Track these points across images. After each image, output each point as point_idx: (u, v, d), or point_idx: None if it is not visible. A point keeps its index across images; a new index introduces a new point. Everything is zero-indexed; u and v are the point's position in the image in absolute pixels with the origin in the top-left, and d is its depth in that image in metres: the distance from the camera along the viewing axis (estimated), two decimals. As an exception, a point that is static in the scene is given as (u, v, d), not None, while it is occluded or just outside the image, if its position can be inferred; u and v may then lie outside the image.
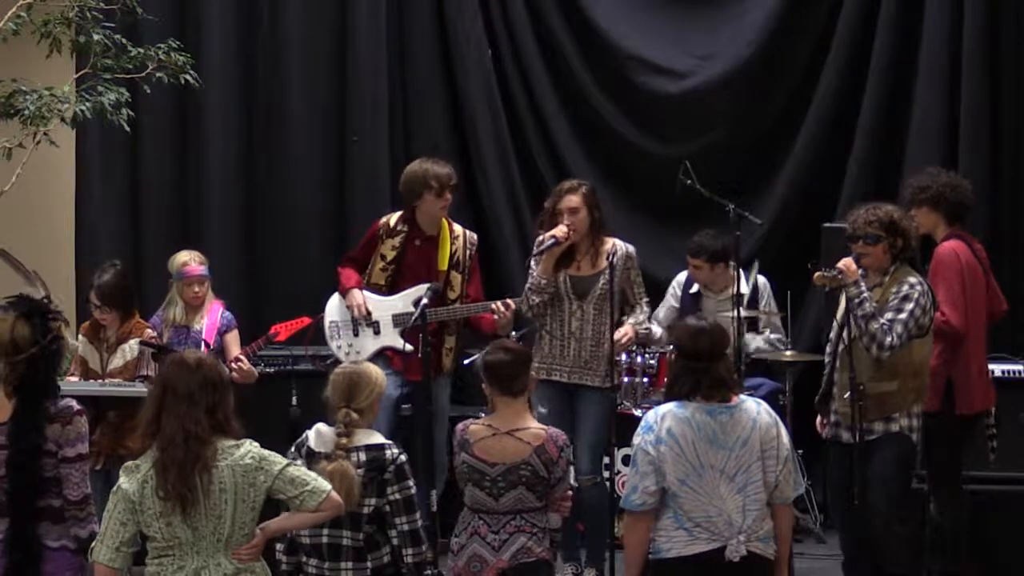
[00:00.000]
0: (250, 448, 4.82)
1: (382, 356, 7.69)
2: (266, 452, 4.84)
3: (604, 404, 7.25)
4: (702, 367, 5.43)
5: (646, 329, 7.50)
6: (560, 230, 7.37)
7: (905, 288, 6.59)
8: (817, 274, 6.69)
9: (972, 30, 8.71)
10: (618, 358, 7.85)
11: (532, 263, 7.49)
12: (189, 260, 7.88)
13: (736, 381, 5.61)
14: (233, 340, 7.90)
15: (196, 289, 7.86)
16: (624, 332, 7.35)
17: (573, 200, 7.43)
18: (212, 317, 7.91)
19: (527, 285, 7.50)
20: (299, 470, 4.85)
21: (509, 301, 7.60)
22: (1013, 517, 7.60)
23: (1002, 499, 7.68)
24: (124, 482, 4.82)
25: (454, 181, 7.81)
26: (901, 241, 6.66)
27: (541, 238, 7.43)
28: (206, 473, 4.73)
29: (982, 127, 8.74)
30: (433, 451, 7.53)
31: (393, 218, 7.91)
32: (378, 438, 5.49)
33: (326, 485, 4.84)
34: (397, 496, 5.41)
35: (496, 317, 7.58)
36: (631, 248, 7.52)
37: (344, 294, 7.86)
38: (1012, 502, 7.65)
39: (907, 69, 8.95)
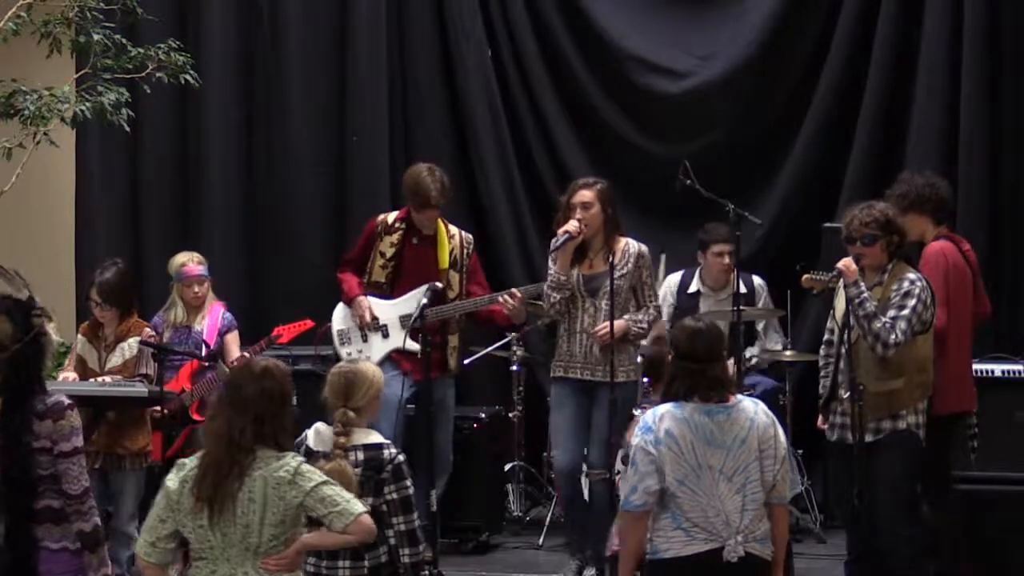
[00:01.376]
0: (289, 462, 4.78)
1: (389, 359, 7.69)
2: (306, 468, 4.80)
3: (620, 397, 7.25)
4: (699, 368, 5.42)
5: (642, 326, 7.47)
6: (572, 225, 7.40)
7: (906, 284, 6.60)
8: (806, 276, 6.70)
9: (972, 30, 8.70)
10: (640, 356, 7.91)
11: (550, 261, 7.52)
12: (187, 261, 7.91)
13: (733, 381, 5.61)
14: (233, 341, 7.93)
15: (196, 289, 7.88)
16: (603, 326, 7.35)
17: (586, 195, 7.46)
18: (213, 318, 7.93)
19: (547, 283, 7.53)
20: (333, 489, 4.79)
21: (515, 291, 7.63)
22: (1012, 517, 7.59)
23: (1000, 499, 7.67)
24: (169, 477, 4.84)
25: (435, 201, 7.70)
26: (898, 238, 6.68)
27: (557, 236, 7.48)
28: (239, 481, 4.72)
29: (982, 127, 8.73)
30: (434, 451, 7.53)
31: (391, 216, 7.92)
32: (376, 437, 5.49)
33: (357, 508, 4.78)
34: (394, 496, 5.40)
35: (506, 309, 7.61)
36: (644, 248, 7.53)
37: (349, 303, 7.86)
38: (1011, 502, 7.64)
39: (907, 69, 8.94)
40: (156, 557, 4.84)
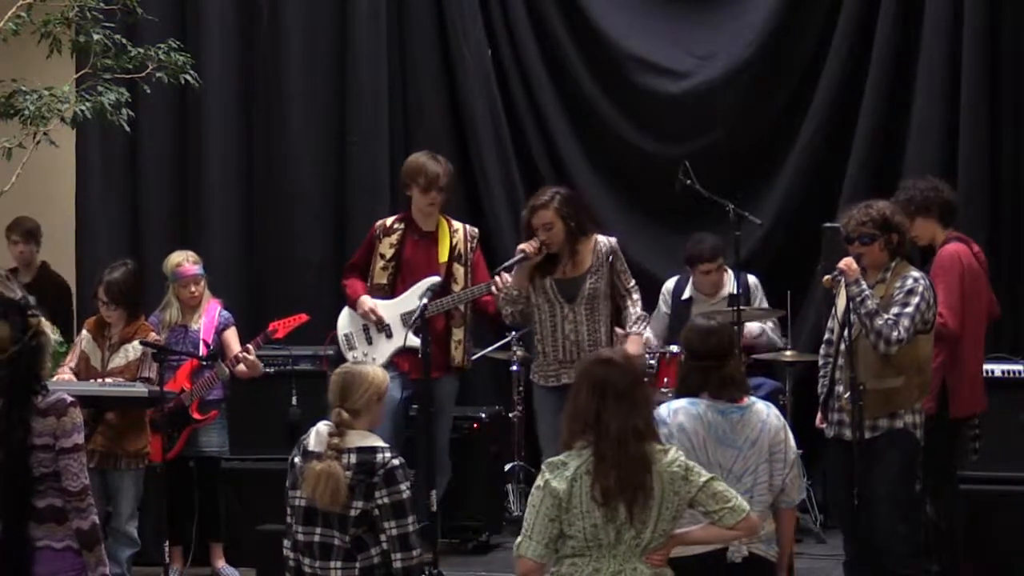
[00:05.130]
0: (678, 456, 4.79)
1: (391, 361, 7.67)
2: (690, 462, 4.82)
3: None
4: (710, 366, 5.44)
5: (643, 328, 7.47)
6: (531, 245, 7.32)
7: (909, 282, 6.58)
8: (826, 277, 6.68)
9: (972, 30, 8.70)
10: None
11: (502, 273, 7.48)
12: (183, 261, 7.90)
13: (745, 382, 5.61)
14: (232, 337, 7.94)
15: (192, 289, 7.88)
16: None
17: (546, 216, 7.35)
18: (209, 316, 7.94)
19: (500, 295, 7.47)
20: (722, 485, 4.82)
21: (505, 275, 7.55)
22: (1013, 517, 7.60)
23: (1002, 499, 7.68)
24: (552, 479, 4.76)
25: (443, 181, 7.76)
26: (897, 236, 6.65)
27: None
28: (648, 474, 4.71)
29: (982, 127, 8.72)
30: (435, 451, 7.53)
31: (389, 219, 7.93)
32: (373, 440, 5.44)
33: (745, 505, 4.83)
34: (385, 500, 5.34)
35: (496, 288, 7.56)
36: (612, 241, 7.47)
37: (354, 304, 7.85)
38: (1012, 502, 7.65)
39: (907, 69, 8.93)
40: (548, 557, 4.80)
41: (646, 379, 4.90)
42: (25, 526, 4.95)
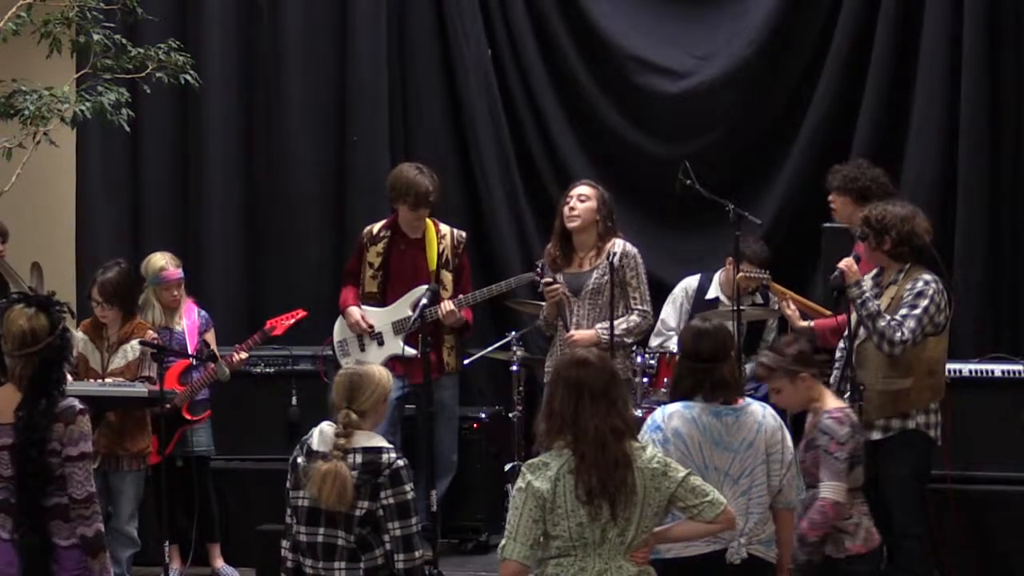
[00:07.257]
0: (654, 452, 4.82)
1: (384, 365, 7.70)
2: (667, 458, 4.86)
3: None
4: (704, 368, 5.43)
5: (614, 334, 7.45)
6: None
7: (920, 285, 6.58)
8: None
9: (972, 30, 8.69)
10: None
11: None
12: (166, 264, 7.91)
13: (740, 384, 5.61)
14: (212, 340, 7.98)
15: (175, 293, 7.92)
16: (572, 334, 7.38)
17: (587, 190, 7.58)
18: (190, 317, 7.96)
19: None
20: (699, 480, 4.85)
21: (451, 302, 7.67)
22: (1012, 517, 7.60)
23: (1001, 499, 7.68)
24: (534, 480, 4.76)
25: (432, 197, 7.83)
26: (889, 241, 6.64)
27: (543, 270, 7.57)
28: (629, 471, 4.72)
29: (982, 127, 8.72)
30: (434, 451, 7.54)
31: (376, 226, 7.98)
32: (378, 441, 5.44)
33: (723, 499, 4.86)
34: (391, 501, 5.35)
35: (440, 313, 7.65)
36: (630, 247, 7.53)
37: (344, 314, 7.89)
38: (1012, 502, 7.64)
39: (907, 69, 8.93)
40: (533, 559, 4.79)
41: (618, 378, 4.89)
42: (43, 524, 4.97)
